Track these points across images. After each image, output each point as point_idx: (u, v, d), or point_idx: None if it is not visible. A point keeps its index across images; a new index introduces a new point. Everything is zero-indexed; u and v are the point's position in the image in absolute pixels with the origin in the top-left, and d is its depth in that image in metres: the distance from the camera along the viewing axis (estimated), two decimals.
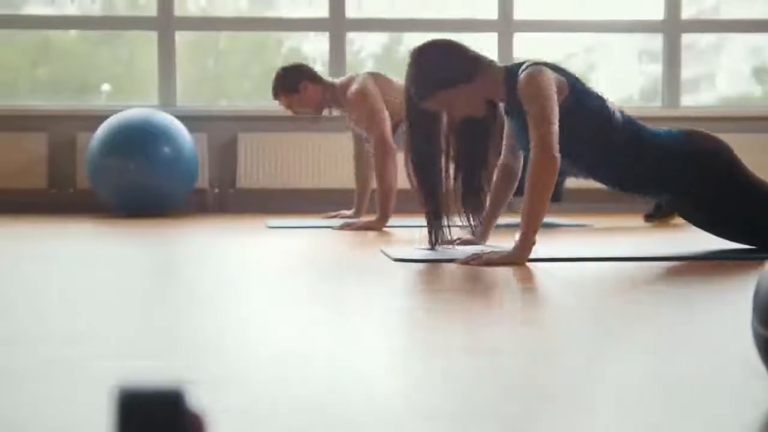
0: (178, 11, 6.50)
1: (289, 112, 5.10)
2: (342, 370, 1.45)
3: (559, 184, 4.94)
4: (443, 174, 3.26)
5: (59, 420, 1.16)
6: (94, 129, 5.82)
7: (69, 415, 1.18)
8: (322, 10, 6.55)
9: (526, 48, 6.88)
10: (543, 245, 3.29)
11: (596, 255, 3.11)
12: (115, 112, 5.82)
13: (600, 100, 3.17)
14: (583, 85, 3.17)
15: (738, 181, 3.17)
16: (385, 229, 4.63)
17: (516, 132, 3.23)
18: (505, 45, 6.53)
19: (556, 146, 2.96)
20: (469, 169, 3.28)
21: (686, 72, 6.84)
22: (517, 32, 6.54)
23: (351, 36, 6.77)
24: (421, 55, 3.19)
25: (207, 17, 6.89)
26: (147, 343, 1.67)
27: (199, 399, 1.21)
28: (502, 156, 3.40)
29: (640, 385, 1.35)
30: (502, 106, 3.24)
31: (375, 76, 4.87)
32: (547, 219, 5.10)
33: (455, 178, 3.28)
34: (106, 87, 6.90)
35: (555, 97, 3.02)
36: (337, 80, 4.99)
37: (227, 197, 6.38)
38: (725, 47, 7.53)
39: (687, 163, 3.17)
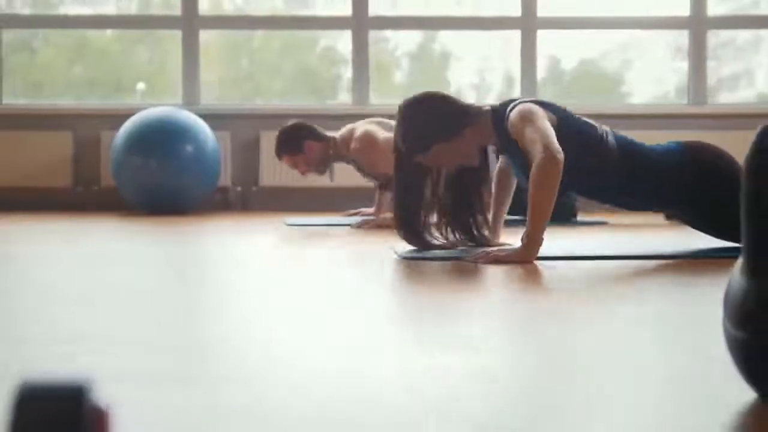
0: (202, 10, 6.54)
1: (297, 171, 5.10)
2: (346, 370, 1.46)
3: (572, 204, 4.93)
4: (429, 224, 3.26)
5: None
6: (118, 128, 5.87)
7: None
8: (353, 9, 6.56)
9: (559, 46, 6.86)
10: (552, 242, 3.28)
11: (603, 253, 3.09)
12: (139, 110, 5.87)
13: (589, 127, 3.15)
14: (571, 115, 3.15)
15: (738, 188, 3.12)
16: None
17: (514, 168, 3.23)
18: (528, 42, 6.51)
19: (559, 148, 2.94)
20: (462, 216, 3.27)
21: (725, 69, 6.77)
22: (540, 29, 6.52)
23: (386, 34, 6.79)
24: (412, 110, 3.17)
25: (231, 16, 6.93)
26: (152, 342, 1.68)
27: (103, 394, 1.21)
28: (499, 161, 3.41)
29: (619, 383, 1.35)
30: (493, 148, 3.27)
31: (375, 122, 4.91)
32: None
33: (446, 227, 3.27)
34: (141, 86, 6.97)
35: (547, 122, 3.02)
36: (338, 134, 5.00)
37: (250, 195, 6.41)
38: (763, 44, 7.44)
39: (684, 176, 3.13)
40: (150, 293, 2.28)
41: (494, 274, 2.65)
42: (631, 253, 3.10)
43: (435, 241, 3.26)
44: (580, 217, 5.11)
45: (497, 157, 3.40)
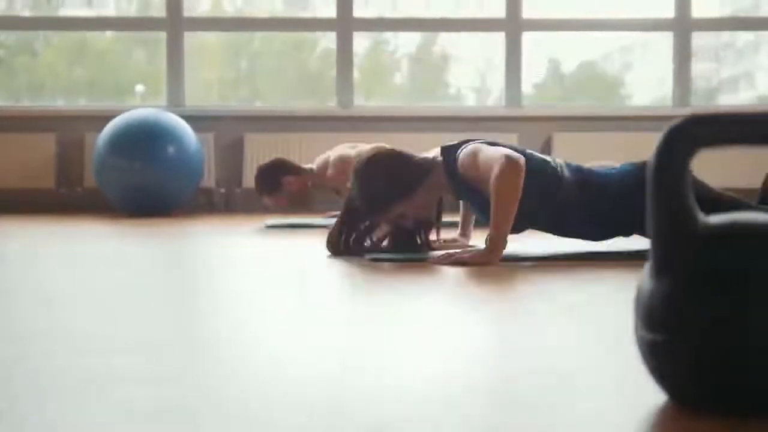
0: (200, 12, 6.55)
1: (278, 206, 5.13)
2: (317, 369, 1.46)
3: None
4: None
5: (46, 417, 1.18)
6: (102, 129, 5.87)
7: (53, 413, 1.20)
8: (362, 11, 6.57)
9: (559, 48, 6.86)
10: (517, 244, 3.28)
11: (566, 253, 3.10)
12: (123, 112, 5.87)
13: (544, 163, 3.09)
14: (522, 152, 3.08)
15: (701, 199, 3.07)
16: None
17: (474, 209, 3.21)
18: (512, 44, 6.51)
19: (516, 154, 2.93)
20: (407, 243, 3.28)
21: (725, 71, 6.77)
22: (525, 31, 6.52)
23: (386, 36, 6.81)
24: (367, 173, 3.15)
25: (215, 18, 6.93)
26: (131, 341, 1.69)
27: None
28: None
29: (535, 383, 1.35)
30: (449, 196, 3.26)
31: (347, 146, 4.98)
32: None
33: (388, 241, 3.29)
34: (140, 88, 6.98)
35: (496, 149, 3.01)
36: (314, 164, 5.05)
37: (234, 197, 6.41)
38: (763, 46, 7.44)
39: (639, 197, 3.01)
40: (124, 295, 2.29)
41: (455, 275, 2.66)
42: (595, 252, 3.10)
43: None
44: None
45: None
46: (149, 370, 1.45)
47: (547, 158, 3.14)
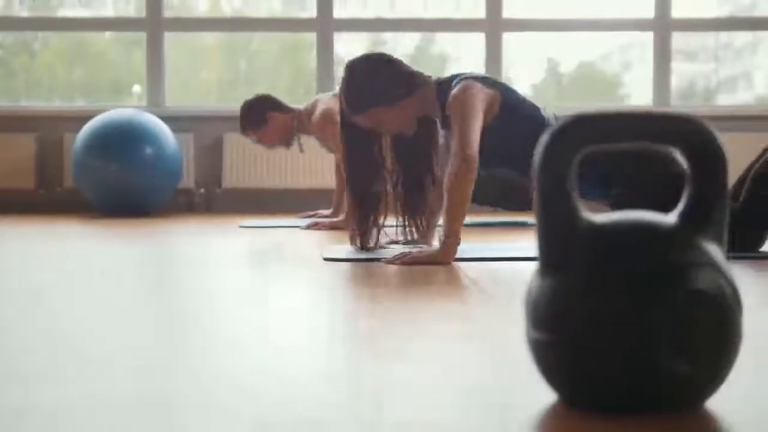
0: (200, 12, 6.57)
1: (260, 145, 5.11)
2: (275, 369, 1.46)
3: (528, 191, 4.93)
4: (378, 185, 3.25)
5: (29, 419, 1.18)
6: (81, 130, 5.88)
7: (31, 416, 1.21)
8: (359, 12, 6.58)
9: (557, 48, 6.85)
10: (475, 244, 3.29)
11: (516, 255, 3.11)
12: (103, 112, 5.87)
13: (533, 108, 3.18)
14: (515, 94, 3.17)
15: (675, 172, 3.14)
16: None
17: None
18: (493, 45, 6.50)
19: (475, 152, 2.95)
20: (411, 178, 3.29)
21: (723, 71, 6.78)
22: (505, 32, 6.51)
23: (385, 36, 6.84)
24: (355, 70, 3.16)
25: (196, 18, 6.93)
26: (116, 340, 1.69)
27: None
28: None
29: (429, 388, 1.35)
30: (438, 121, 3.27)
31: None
32: (519, 218, 5.10)
33: (395, 186, 3.28)
34: (137, 88, 6.99)
35: (480, 114, 3.03)
36: (302, 106, 5.02)
37: (213, 197, 6.41)
38: (761, 46, 7.44)
39: (627, 158, 3.15)
40: (100, 293, 2.29)
41: (406, 275, 2.66)
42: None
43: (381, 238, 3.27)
44: (533, 220, 5.11)
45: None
46: (140, 368, 1.45)
47: (539, 106, 3.21)
